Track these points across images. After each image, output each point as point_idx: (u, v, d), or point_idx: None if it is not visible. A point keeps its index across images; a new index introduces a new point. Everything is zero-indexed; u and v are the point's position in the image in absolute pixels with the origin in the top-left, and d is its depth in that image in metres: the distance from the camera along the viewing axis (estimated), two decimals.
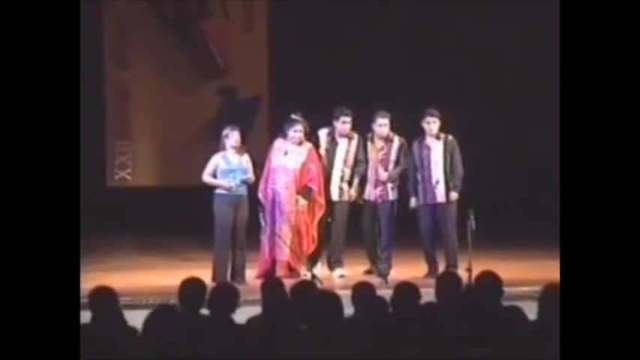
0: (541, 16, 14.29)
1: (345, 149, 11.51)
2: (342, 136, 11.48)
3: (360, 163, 11.47)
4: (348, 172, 11.50)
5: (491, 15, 14.99)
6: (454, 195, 11.35)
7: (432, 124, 11.34)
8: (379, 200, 11.50)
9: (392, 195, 11.51)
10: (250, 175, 11.11)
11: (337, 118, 11.44)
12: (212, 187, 11.08)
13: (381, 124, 11.42)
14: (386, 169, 11.47)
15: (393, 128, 11.50)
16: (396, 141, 11.51)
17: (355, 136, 11.51)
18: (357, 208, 11.61)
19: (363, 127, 11.56)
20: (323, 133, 11.52)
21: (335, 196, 11.48)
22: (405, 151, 11.49)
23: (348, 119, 11.40)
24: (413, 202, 11.48)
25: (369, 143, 11.50)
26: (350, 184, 11.51)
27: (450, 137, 11.42)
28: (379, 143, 11.49)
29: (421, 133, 11.41)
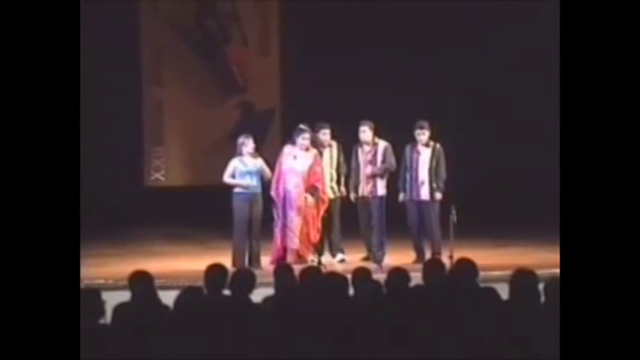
0: (530, 24, 14.27)
1: (329, 155, 11.53)
2: (323, 145, 11.48)
3: (341, 164, 11.56)
4: (334, 173, 11.55)
5: (476, 24, 14.88)
6: (438, 195, 11.33)
7: (421, 135, 11.32)
8: (370, 196, 11.48)
9: (381, 191, 11.47)
10: (268, 174, 11.13)
11: (317, 131, 11.45)
12: (231, 187, 11.09)
13: (363, 131, 11.43)
14: (374, 166, 11.44)
15: (378, 134, 11.49)
16: (381, 144, 11.50)
17: (334, 143, 11.56)
18: (351, 203, 11.59)
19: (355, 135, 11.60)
20: None
21: (330, 194, 11.49)
22: (390, 152, 11.48)
23: (327, 131, 11.46)
24: (401, 196, 11.46)
25: (359, 148, 11.52)
26: (338, 183, 11.56)
27: (438, 145, 11.39)
28: (366, 147, 11.49)
29: (414, 140, 11.38)
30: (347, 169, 11.53)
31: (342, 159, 11.56)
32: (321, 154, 11.42)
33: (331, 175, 11.52)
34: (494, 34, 14.86)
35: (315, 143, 11.41)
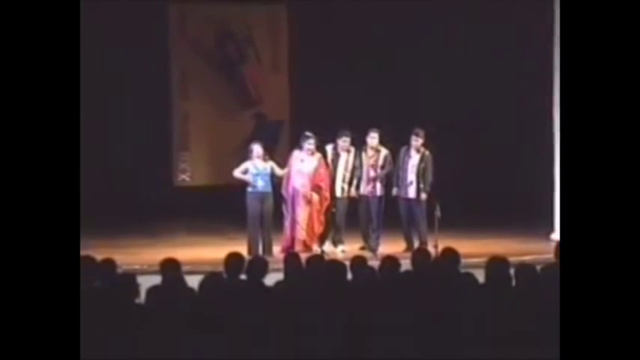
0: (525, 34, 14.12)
1: (345, 159, 11.54)
2: (342, 150, 11.52)
3: (356, 169, 11.53)
4: (347, 175, 11.53)
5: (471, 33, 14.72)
6: (423, 196, 11.39)
7: (414, 142, 11.39)
8: (370, 195, 11.53)
9: (380, 191, 11.54)
10: (278, 175, 11.26)
11: (339, 137, 11.50)
12: (245, 186, 11.17)
13: (372, 137, 11.47)
14: (375, 171, 11.51)
15: (381, 142, 11.53)
16: (383, 151, 11.56)
17: (352, 149, 11.55)
18: (354, 202, 11.64)
19: (359, 141, 11.61)
20: (329, 148, 11.61)
21: (339, 193, 11.51)
22: (390, 158, 11.54)
23: (347, 139, 11.48)
24: (394, 190, 11.55)
25: (363, 153, 11.55)
26: (349, 184, 11.55)
27: (427, 153, 11.43)
28: (370, 152, 11.53)
29: (408, 144, 11.41)
30: (360, 173, 11.51)
31: (357, 163, 11.53)
32: (339, 156, 11.46)
33: (344, 176, 11.52)
34: (493, 36, 14.61)
35: (336, 148, 11.46)
